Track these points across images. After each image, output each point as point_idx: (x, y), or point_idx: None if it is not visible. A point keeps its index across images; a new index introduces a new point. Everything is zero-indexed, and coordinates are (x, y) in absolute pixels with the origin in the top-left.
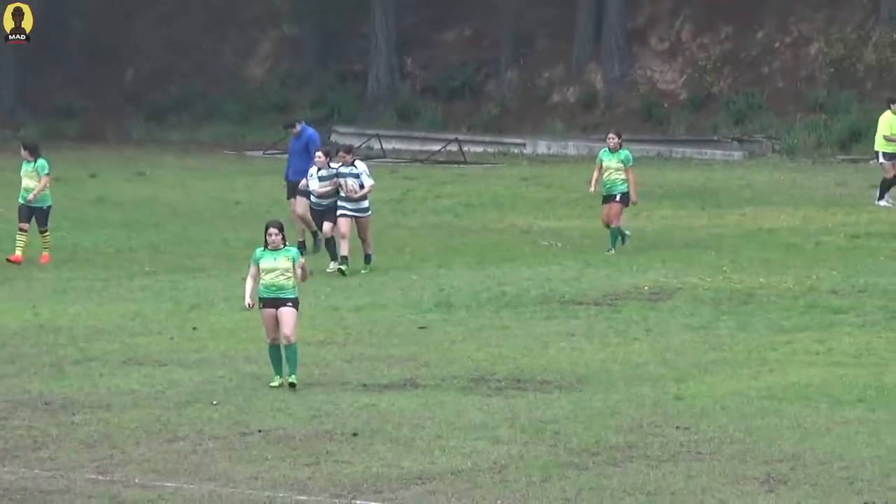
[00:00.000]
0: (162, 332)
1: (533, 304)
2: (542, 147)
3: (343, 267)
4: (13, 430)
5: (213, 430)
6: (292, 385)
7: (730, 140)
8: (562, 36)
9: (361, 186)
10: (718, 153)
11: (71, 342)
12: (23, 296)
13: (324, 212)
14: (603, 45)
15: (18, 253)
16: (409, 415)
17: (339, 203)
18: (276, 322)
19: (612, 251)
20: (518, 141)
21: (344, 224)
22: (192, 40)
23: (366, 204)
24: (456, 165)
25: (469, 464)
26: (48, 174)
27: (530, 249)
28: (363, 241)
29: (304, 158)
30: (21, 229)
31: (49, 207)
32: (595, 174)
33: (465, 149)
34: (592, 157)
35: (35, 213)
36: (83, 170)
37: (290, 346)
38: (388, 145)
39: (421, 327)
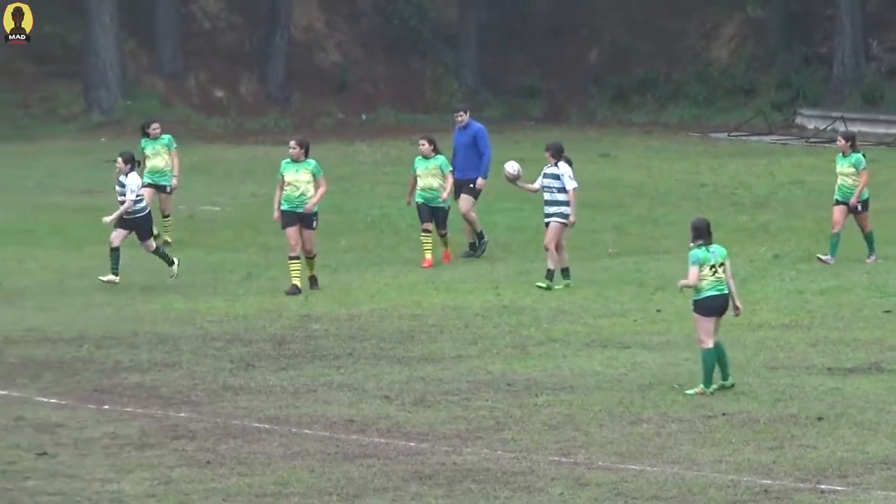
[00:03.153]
0: (625, 314)
1: None
2: None
3: (542, 284)
4: (475, 410)
5: (676, 412)
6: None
7: None
8: None
9: (562, 190)
10: None
11: (534, 323)
12: (486, 276)
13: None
14: None
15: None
16: (875, 399)
17: (544, 208)
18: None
19: None
20: None
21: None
22: (654, 21)
23: (561, 210)
24: None
25: None
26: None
27: None
28: (547, 249)
29: (472, 154)
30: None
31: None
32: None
33: None
34: None
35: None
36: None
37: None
38: (853, 128)
39: (886, 311)
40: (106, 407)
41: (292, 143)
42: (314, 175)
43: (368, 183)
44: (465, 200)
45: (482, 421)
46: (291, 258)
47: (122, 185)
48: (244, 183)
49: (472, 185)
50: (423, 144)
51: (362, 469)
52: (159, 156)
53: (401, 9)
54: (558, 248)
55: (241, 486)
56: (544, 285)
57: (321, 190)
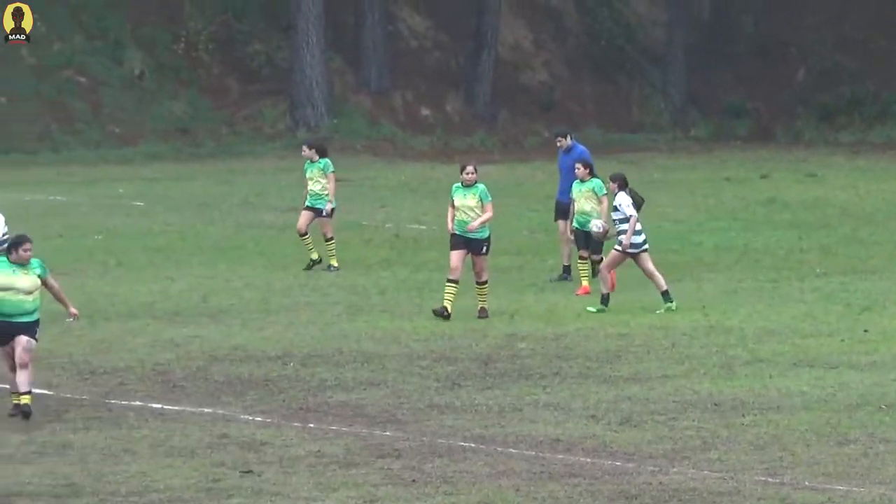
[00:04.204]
0: (832, 333)
1: None
2: None
3: (593, 309)
4: (682, 430)
5: (884, 433)
6: None
7: None
8: None
9: (625, 220)
10: None
11: (741, 343)
12: (692, 296)
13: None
14: None
15: (585, 284)
16: None
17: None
18: None
19: None
20: None
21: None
22: (864, 39)
23: (639, 238)
24: None
25: None
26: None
27: None
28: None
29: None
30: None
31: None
32: None
33: None
34: None
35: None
36: (753, 170)
37: None
38: None
39: None
40: (311, 425)
41: (469, 168)
42: (481, 200)
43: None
44: (568, 224)
45: (688, 441)
46: (449, 280)
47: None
48: None
49: None
50: (579, 168)
51: (568, 489)
52: (316, 179)
53: (608, 28)
54: (648, 274)
55: None
56: (594, 310)
57: (486, 215)
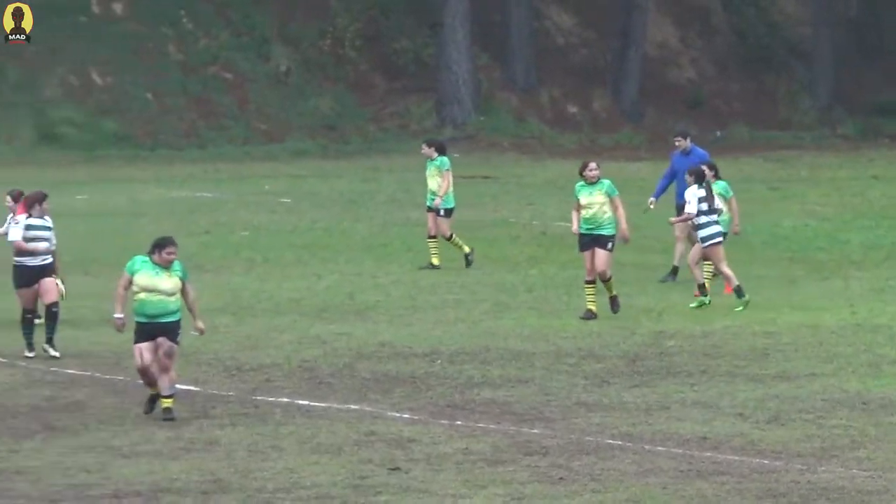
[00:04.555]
0: None
1: None
2: None
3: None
4: (831, 429)
5: None
6: None
7: None
8: None
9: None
10: None
11: (889, 342)
12: (840, 294)
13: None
14: None
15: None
16: None
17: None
18: None
19: None
20: None
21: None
22: None
23: (704, 232)
24: None
25: None
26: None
27: None
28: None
29: None
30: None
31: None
32: None
33: None
34: None
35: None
36: None
37: None
38: None
39: None
40: (458, 422)
41: (592, 165)
42: (608, 195)
43: None
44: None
45: (837, 439)
46: (587, 282)
47: None
48: None
49: None
50: (706, 171)
51: (715, 487)
52: (433, 177)
53: (754, 26)
54: (697, 264)
55: (593, 502)
56: (741, 308)
57: (621, 211)
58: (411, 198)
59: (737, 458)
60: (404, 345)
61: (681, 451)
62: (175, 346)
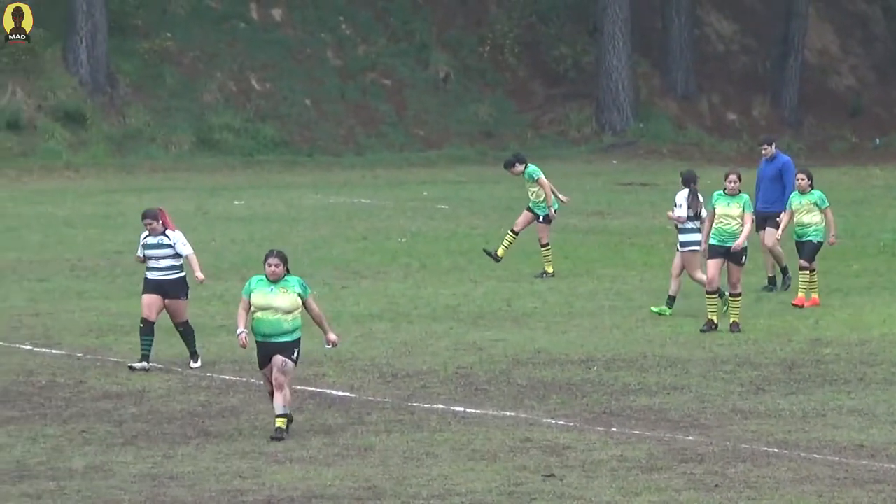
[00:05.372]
0: None
1: None
2: None
3: (660, 310)
4: None
5: None
6: None
7: None
8: None
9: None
10: None
11: None
12: None
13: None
14: None
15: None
16: None
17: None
18: None
19: None
20: None
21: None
22: None
23: (685, 237)
24: None
25: None
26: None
27: None
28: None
29: (777, 186)
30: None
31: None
32: None
33: None
34: None
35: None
36: None
37: None
38: None
39: None
40: (614, 429)
41: (732, 177)
42: (744, 210)
43: (881, 207)
44: (769, 234)
45: None
46: (708, 293)
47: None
48: None
49: (777, 219)
50: (803, 179)
51: (871, 495)
52: (529, 189)
53: None
54: (677, 272)
55: None
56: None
57: (747, 228)
58: (570, 205)
59: (893, 466)
60: (560, 352)
61: (837, 458)
62: (289, 362)
